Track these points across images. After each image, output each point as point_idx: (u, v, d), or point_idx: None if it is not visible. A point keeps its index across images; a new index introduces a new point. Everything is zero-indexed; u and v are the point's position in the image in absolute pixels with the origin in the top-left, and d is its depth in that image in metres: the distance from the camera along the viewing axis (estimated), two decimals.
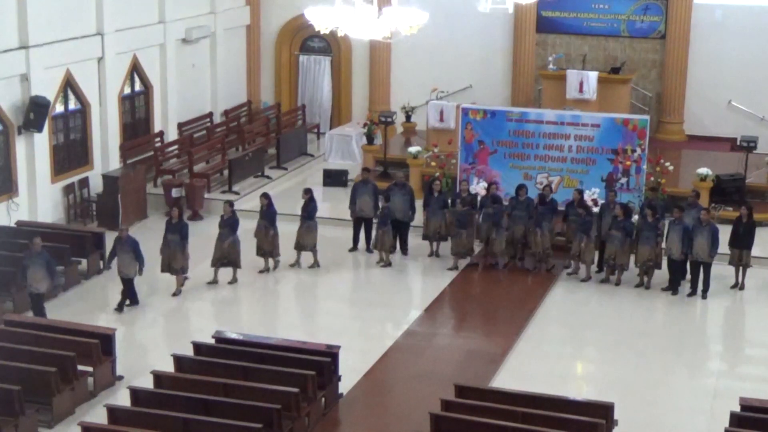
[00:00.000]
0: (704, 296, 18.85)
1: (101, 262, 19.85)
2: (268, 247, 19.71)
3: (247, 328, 17.11)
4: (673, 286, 19.00)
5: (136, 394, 13.78)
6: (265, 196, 20.02)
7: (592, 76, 25.25)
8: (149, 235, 20.74)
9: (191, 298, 18.90)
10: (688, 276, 19.14)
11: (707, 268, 18.80)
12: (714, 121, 26.95)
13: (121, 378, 15.49)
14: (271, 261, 19.89)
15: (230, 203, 19.56)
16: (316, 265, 20.11)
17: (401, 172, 23.00)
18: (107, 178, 22.42)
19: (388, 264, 20.27)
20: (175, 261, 18.64)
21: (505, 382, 15.24)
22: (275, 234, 19.67)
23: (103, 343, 15.31)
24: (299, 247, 20.05)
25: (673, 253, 18.82)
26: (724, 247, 19.22)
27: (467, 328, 18.17)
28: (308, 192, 20.20)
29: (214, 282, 19.25)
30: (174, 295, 18.76)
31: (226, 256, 19.19)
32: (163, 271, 18.81)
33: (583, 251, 19.39)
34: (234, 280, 19.34)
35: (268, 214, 19.71)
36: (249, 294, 19.30)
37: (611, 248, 19.15)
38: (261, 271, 19.75)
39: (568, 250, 19.86)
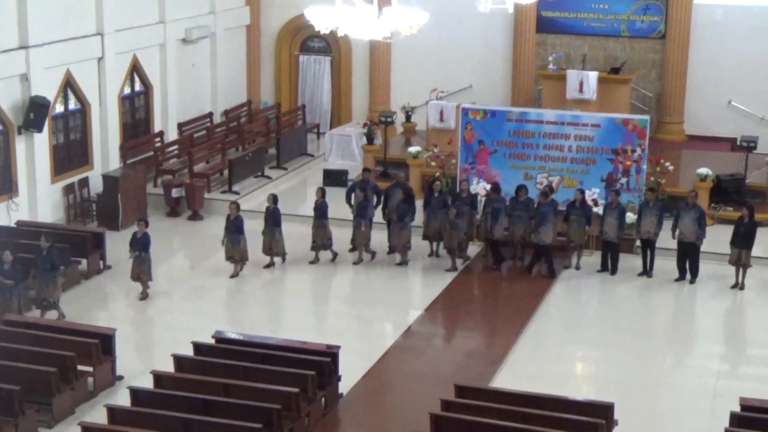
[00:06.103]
0: (692, 281, 19.20)
1: (101, 262, 19.90)
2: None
3: (247, 328, 17.09)
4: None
5: (136, 394, 13.78)
6: (236, 205, 19.87)
7: (592, 76, 25.22)
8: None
9: (192, 297, 18.91)
10: (688, 276, 19.32)
11: (695, 251, 19.06)
12: (714, 121, 26.92)
13: (121, 378, 15.49)
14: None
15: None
16: (334, 257, 20.43)
17: (401, 172, 22.99)
18: (107, 178, 22.42)
19: (406, 263, 20.39)
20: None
21: (505, 382, 15.23)
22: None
23: (103, 343, 15.30)
24: (316, 247, 20.22)
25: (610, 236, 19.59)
26: (725, 246, 19.28)
27: (467, 328, 18.15)
28: (321, 191, 20.40)
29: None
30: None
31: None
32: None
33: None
34: (235, 274, 19.56)
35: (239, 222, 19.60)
36: (249, 294, 19.29)
37: None
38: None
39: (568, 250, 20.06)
